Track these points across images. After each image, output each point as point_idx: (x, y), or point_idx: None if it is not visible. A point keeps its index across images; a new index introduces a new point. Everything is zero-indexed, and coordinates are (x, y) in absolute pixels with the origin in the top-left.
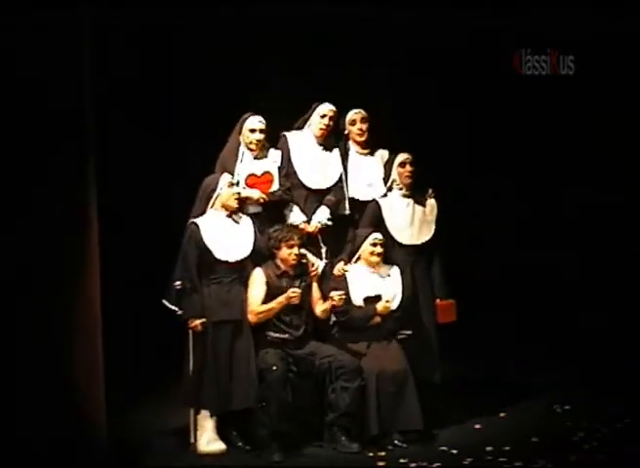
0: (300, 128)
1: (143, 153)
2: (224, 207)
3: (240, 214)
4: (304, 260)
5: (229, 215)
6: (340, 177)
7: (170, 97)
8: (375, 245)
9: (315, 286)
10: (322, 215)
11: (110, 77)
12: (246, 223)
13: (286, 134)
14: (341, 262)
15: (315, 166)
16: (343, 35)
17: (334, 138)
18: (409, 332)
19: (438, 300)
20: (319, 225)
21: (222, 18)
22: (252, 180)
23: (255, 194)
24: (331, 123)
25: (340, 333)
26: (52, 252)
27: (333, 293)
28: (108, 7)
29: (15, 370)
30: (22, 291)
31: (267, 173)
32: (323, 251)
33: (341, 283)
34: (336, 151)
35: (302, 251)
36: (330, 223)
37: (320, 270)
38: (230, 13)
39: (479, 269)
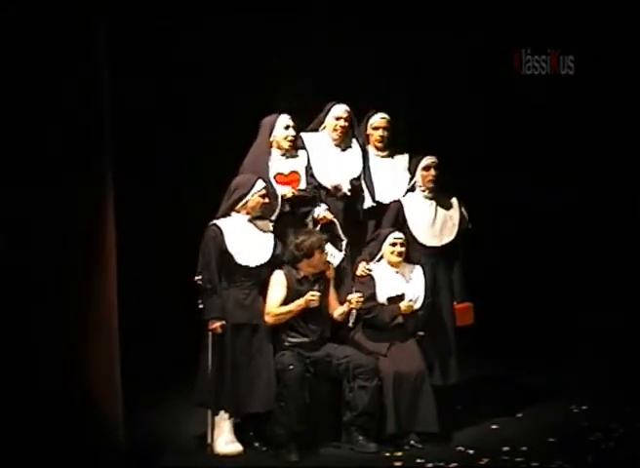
0: (316, 129)
1: (160, 154)
2: (249, 211)
3: (261, 219)
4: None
5: (251, 220)
6: (359, 177)
7: (186, 100)
8: (394, 244)
9: (332, 289)
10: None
11: (127, 83)
12: (267, 228)
13: (302, 135)
14: (363, 262)
15: (333, 167)
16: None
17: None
18: (422, 334)
19: (455, 303)
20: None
21: (239, 19)
22: (279, 179)
23: (285, 190)
24: (346, 124)
25: (364, 331)
26: (69, 252)
27: (351, 296)
28: (123, 15)
29: (31, 371)
30: (39, 292)
31: (294, 172)
32: (344, 243)
33: (368, 282)
34: (353, 151)
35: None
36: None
37: (337, 263)
38: (249, 14)
39: (496, 270)
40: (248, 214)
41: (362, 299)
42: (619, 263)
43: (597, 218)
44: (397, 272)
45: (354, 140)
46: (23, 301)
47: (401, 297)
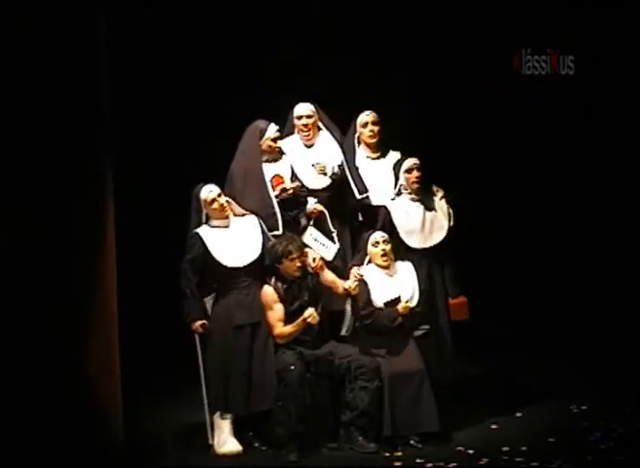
0: (292, 132)
1: (160, 154)
2: (216, 217)
3: (245, 217)
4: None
5: (230, 222)
6: (341, 165)
7: (186, 100)
8: (377, 243)
9: (327, 273)
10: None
11: (127, 83)
12: (252, 225)
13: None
14: (354, 268)
15: (309, 167)
16: (351, 36)
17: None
18: (427, 327)
19: (450, 299)
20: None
21: (239, 19)
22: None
23: (276, 191)
24: (309, 121)
25: (365, 337)
26: (68, 252)
27: (347, 284)
28: (123, 15)
29: (32, 370)
30: (38, 291)
31: (277, 175)
32: (334, 235)
33: (361, 288)
34: (328, 145)
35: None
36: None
37: (333, 254)
38: (247, 12)
39: (494, 268)
40: (220, 218)
41: (362, 290)
42: (619, 263)
43: (597, 218)
44: (387, 274)
45: (328, 134)
46: (23, 301)
47: (397, 300)
